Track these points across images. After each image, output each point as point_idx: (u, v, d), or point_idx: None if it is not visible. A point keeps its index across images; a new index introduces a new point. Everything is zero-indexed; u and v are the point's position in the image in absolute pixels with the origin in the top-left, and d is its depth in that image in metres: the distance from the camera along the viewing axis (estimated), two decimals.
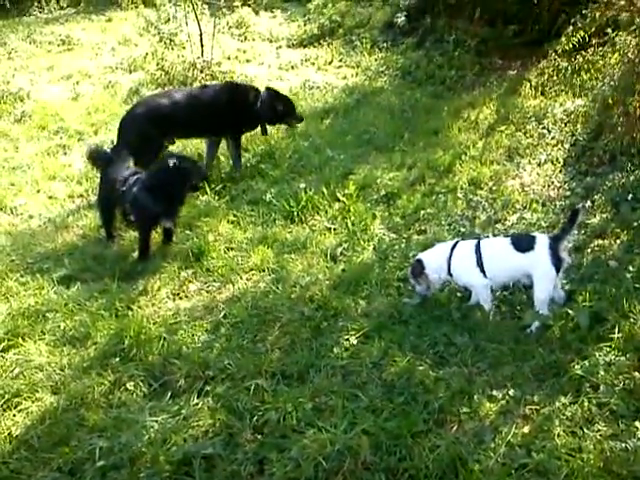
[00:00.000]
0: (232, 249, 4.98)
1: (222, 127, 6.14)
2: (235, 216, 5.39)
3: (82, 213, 5.67)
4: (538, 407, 3.28)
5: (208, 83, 7.35)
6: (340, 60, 9.19)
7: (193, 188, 5.15)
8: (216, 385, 3.59)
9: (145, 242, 4.96)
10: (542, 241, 3.90)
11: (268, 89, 6.29)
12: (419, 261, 4.18)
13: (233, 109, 6.06)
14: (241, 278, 4.61)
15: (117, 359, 3.79)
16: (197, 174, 5.08)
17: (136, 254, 4.98)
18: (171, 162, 4.85)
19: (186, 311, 4.28)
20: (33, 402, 3.50)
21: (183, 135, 6.22)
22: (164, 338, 3.96)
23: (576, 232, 4.36)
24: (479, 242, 4.10)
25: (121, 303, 4.35)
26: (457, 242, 4.21)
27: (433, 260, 4.14)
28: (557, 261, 3.85)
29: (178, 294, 4.51)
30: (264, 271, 4.67)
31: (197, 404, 3.45)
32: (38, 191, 6.12)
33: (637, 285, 4.01)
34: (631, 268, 4.21)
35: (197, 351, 3.86)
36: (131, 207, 4.92)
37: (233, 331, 4.05)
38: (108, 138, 7.10)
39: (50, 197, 6.01)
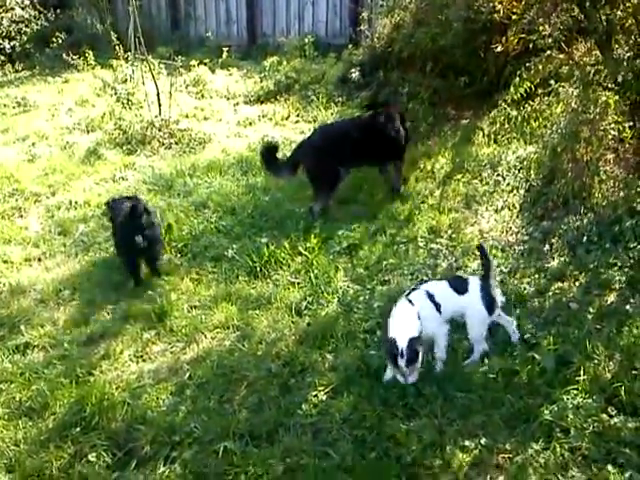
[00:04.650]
0: (195, 307, 4.90)
1: (391, 152, 6.44)
2: (198, 274, 5.32)
3: (40, 277, 5.53)
4: (511, 455, 3.27)
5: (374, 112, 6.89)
6: (297, 115, 9.31)
7: None
8: (183, 450, 3.49)
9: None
10: (475, 283, 3.99)
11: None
12: (393, 342, 3.75)
13: (400, 133, 6.43)
14: (205, 337, 4.53)
15: (78, 429, 3.65)
16: None
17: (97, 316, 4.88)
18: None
19: (150, 374, 4.18)
20: None
21: (356, 163, 6.39)
22: (128, 403, 3.84)
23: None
24: (427, 291, 3.95)
25: (82, 369, 4.22)
26: (408, 300, 3.92)
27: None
28: (490, 301, 3.93)
29: (141, 356, 4.41)
30: (229, 328, 4.61)
31: (164, 472, 3.34)
32: None
33: (598, 326, 4.10)
34: (591, 309, 4.31)
35: (162, 415, 3.76)
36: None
37: (199, 392, 3.96)
38: (66, 199, 7.03)
39: (5, 262, 5.83)
